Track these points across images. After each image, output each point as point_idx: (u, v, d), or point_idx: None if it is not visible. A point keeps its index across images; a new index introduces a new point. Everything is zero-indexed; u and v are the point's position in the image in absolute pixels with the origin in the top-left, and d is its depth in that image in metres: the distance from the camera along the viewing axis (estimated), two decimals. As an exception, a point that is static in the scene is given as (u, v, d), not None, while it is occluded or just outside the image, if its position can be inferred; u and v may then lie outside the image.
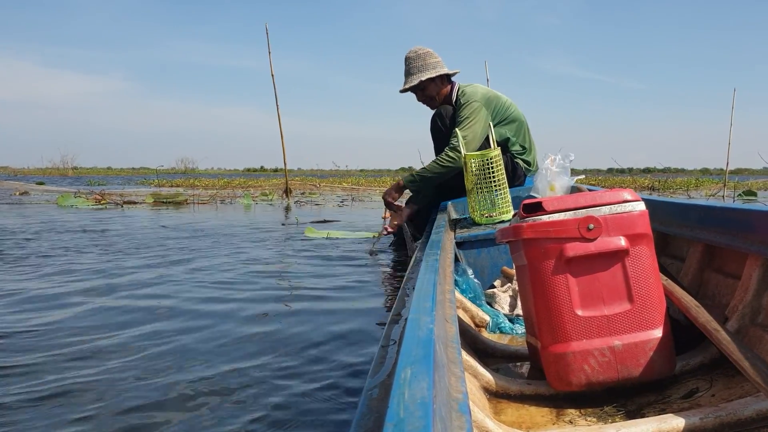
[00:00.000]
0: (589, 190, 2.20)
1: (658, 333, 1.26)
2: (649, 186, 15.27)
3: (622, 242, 1.27)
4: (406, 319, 0.86)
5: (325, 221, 6.77)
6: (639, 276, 1.28)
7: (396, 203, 3.45)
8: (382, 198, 3.41)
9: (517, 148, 3.25)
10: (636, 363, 1.25)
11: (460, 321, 1.62)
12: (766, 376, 1.02)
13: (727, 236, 1.54)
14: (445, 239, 1.93)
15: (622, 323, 1.26)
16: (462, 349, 1.21)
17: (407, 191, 3.44)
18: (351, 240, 5.07)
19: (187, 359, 1.87)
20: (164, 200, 10.85)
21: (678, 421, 1.05)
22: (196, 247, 4.48)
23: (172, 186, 17.36)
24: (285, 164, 12.69)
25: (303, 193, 14.40)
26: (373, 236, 5.23)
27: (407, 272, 1.50)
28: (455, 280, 2.07)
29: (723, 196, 11.38)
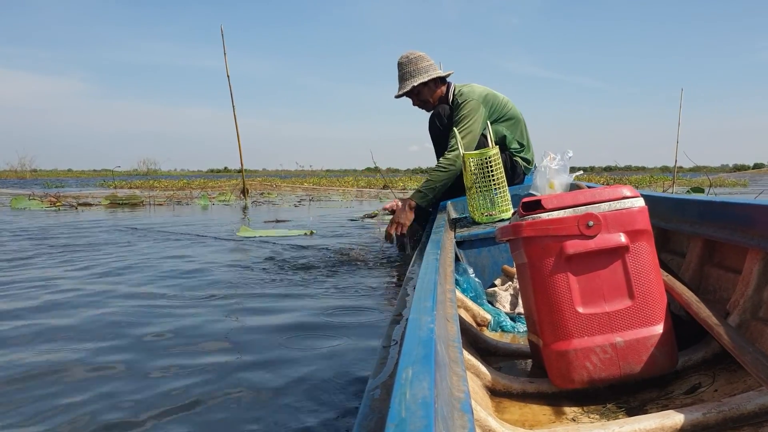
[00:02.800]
0: (589, 187, 2.20)
1: (659, 329, 1.26)
2: (605, 184, 15.31)
3: (622, 239, 1.27)
4: (407, 318, 0.86)
5: (276, 221, 6.89)
6: (639, 272, 1.27)
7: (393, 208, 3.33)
8: (396, 223, 3.16)
9: (515, 145, 3.25)
10: (638, 359, 1.25)
11: (462, 320, 1.62)
12: (767, 371, 1.02)
13: (727, 231, 1.54)
14: (444, 239, 1.93)
15: (623, 320, 1.26)
16: (463, 349, 1.21)
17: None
18: (287, 238, 5.16)
19: (176, 366, 1.87)
20: (120, 202, 10.81)
21: (681, 417, 1.05)
22: (141, 251, 4.43)
23: (131, 188, 17.40)
24: (242, 164, 12.84)
25: (261, 194, 14.46)
26: (307, 234, 5.37)
27: (408, 272, 1.50)
28: (456, 280, 2.07)
29: (672, 192, 11.40)
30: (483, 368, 1.34)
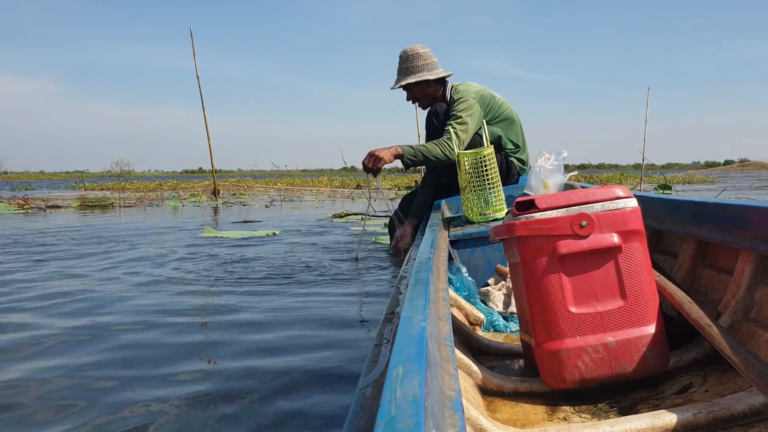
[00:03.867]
0: (582, 187, 2.20)
1: (651, 329, 1.26)
2: (576, 180, 15.39)
3: (615, 239, 1.28)
4: (399, 317, 0.86)
5: (244, 221, 6.97)
6: (632, 272, 1.28)
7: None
8: (371, 155, 3.00)
9: (510, 146, 3.25)
10: (629, 359, 1.25)
11: (454, 319, 1.62)
12: (758, 372, 1.02)
13: (719, 232, 1.55)
14: (438, 237, 1.94)
15: (615, 320, 1.26)
16: (456, 347, 1.21)
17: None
18: (250, 238, 5.20)
19: (167, 369, 1.87)
20: (90, 204, 10.76)
21: (671, 417, 1.05)
22: (101, 254, 4.33)
23: (102, 189, 17.43)
24: (212, 165, 12.99)
25: (234, 194, 14.56)
26: (270, 234, 5.42)
27: (401, 271, 1.50)
28: (449, 279, 2.07)
29: (640, 189, 11.50)
30: (475, 367, 1.34)
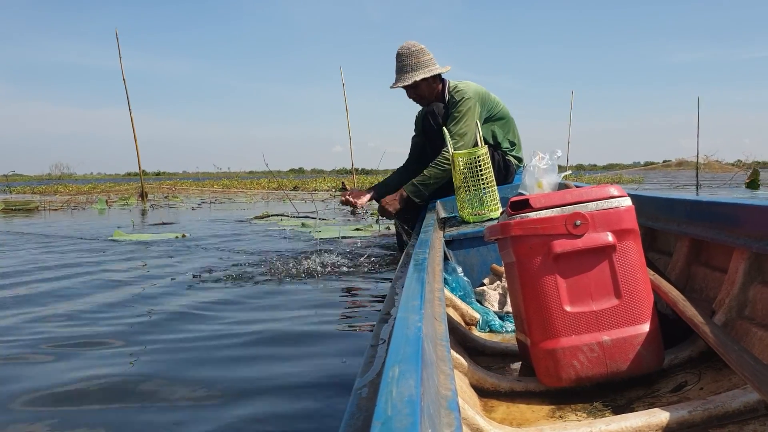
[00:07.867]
0: (576, 186, 2.21)
1: (646, 327, 1.27)
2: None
3: (609, 238, 1.28)
4: (395, 317, 0.86)
5: (162, 223, 7.08)
6: (626, 271, 1.28)
7: (353, 199, 3.36)
8: (382, 206, 3.25)
9: (507, 145, 3.27)
10: (625, 358, 1.26)
11: (450, 319, 1.62)
12: (752, 369, 1.03)
13: (713, 230, 1.55)
14: (434, 238, 1.94)
15: (610, 318, 1.27)
16: (452, 347, 1.21)
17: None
18: (157, 241, 5.21)
19: (155, 373, 1.86)
20: (14, 207, 10.64)
21: (667, 415, 1.06)
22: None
23: (33, 193, 17.34)
24: (140, 167, 13.15)
25: (166, 197, 14.63)
26: (178, 236, 5.50)
27: (396, 271, 1.50)
28: (444, 279, 2.07)
29: None
30: (471, 367, 1.34)
